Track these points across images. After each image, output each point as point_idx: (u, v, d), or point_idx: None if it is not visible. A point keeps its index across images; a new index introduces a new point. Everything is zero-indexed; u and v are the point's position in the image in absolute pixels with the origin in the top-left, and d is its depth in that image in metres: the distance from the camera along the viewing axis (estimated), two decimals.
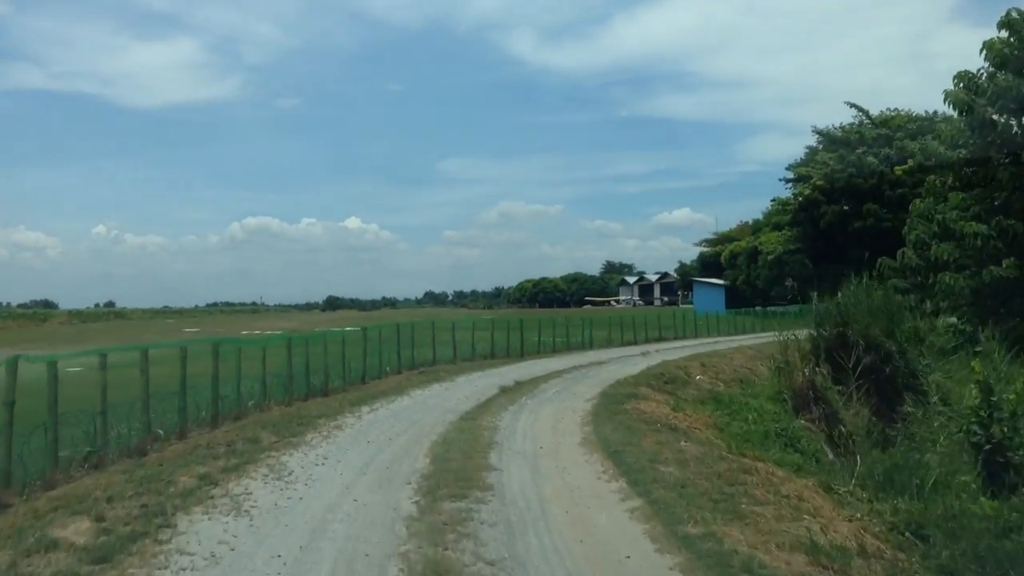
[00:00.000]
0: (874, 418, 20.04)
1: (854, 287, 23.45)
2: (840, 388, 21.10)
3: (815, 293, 29.18)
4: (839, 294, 23.82)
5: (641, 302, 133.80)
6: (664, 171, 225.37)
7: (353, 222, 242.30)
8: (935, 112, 56.39)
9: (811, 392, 19.62)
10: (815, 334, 23.31)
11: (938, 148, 23.01)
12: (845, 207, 52.62)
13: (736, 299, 73.19)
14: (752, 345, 26.51)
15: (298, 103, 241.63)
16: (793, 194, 58.02)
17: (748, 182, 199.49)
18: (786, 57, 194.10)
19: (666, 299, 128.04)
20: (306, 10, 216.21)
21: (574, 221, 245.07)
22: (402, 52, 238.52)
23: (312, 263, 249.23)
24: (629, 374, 18.26)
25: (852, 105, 58.08)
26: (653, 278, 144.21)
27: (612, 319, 30.36)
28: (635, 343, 28.76)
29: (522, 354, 24.30)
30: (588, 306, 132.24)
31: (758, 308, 49.43)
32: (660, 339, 30.15)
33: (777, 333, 19.92)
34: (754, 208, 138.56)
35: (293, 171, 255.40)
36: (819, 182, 54.07)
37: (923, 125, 55.28)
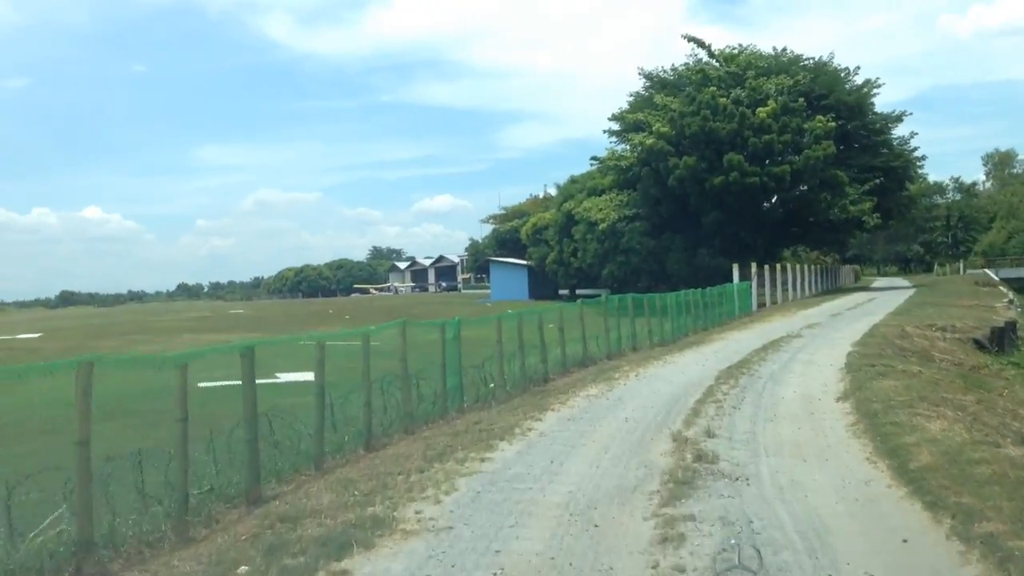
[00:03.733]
0: None
1: None
2: None
3: None
4: None
5: (414, 288, 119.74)
6: (425, 158, 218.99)
7: (93, 211, 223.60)
8: (784, 49, 48.24)
9: None
10: None
11: None
12: (699, 160, 41.84)
13: (542, 282, 61.07)
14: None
15: (28, 83, 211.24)
16: (630, 146, 46.32)
17: (508, 169, 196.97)
18: (543, 49, 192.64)
19: (443, 284, 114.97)
20: None
21: (334, 208, 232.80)
22: (146, 32, 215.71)
23: (46, 255, 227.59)
24: None
25: (691, 39, 47.80)
26: (426, 263, 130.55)
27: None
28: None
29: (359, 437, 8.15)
30: (357, 294, 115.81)
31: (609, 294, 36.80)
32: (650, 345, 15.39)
33: None
34: (516, 194, 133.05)
35: (23, 157, 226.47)
36: (663, 128, 42.90)
37: (771, 64, 46.69)
